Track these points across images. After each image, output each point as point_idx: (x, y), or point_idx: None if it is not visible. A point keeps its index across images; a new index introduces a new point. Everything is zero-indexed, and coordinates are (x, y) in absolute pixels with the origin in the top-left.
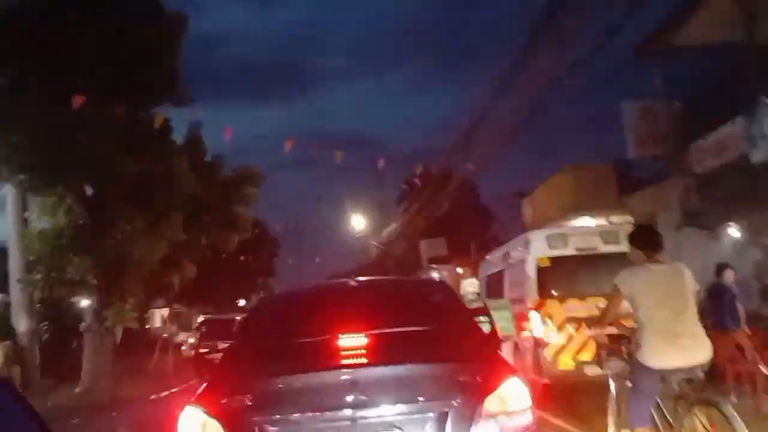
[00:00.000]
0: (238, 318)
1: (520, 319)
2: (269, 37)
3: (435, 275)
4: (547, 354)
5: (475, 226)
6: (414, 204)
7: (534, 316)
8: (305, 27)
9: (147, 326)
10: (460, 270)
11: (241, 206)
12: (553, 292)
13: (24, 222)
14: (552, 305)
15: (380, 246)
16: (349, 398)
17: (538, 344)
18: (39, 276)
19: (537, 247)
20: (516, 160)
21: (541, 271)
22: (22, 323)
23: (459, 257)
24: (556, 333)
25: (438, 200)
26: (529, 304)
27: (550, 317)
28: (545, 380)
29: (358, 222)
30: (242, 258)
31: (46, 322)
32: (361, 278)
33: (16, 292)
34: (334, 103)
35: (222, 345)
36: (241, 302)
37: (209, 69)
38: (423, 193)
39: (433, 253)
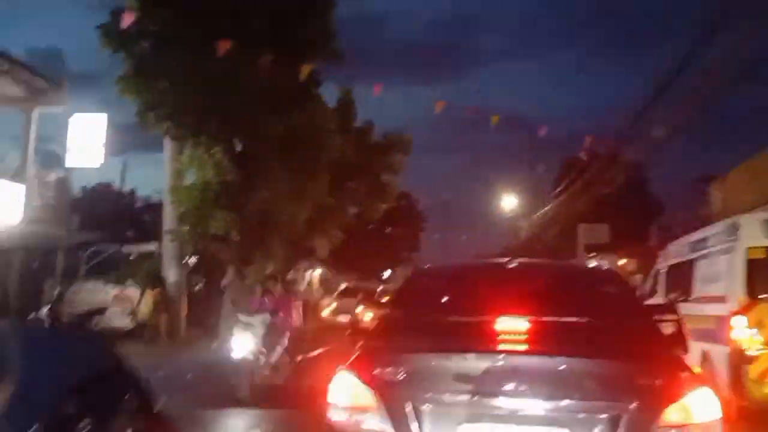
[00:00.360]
0: (380, 288)
1: (715, 323)
2: (430, 17)
3: (595, 261)
4: (752, 371)
5: (641, 215)
6: (573, 185)
7: (737, 321)
8: (467, 6)
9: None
10: (622, 261)
11: (389, 174)
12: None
13: (177, 175)
14: (764, 309)
15: (531, 228)
16: (509, 386)
17: (741, 358)
18: (186, 228)
19: (749, 234)
20: (689, 146)
21: (752, 264)
22: (171, 274)
23: (621, 247)
24: (765, 346)
25: (601, 183)
26: (731, 306)
27: (760, 324)
28: (745, 403)
29: (509, 202)
30: (388, 230)
31: (199, 277)
32: (523, 259)
33: (167, 244)
34: (494, 83)
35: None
36: (386, 274)
37: (369, 49)
38: (584, 174)
39: (593, 239)
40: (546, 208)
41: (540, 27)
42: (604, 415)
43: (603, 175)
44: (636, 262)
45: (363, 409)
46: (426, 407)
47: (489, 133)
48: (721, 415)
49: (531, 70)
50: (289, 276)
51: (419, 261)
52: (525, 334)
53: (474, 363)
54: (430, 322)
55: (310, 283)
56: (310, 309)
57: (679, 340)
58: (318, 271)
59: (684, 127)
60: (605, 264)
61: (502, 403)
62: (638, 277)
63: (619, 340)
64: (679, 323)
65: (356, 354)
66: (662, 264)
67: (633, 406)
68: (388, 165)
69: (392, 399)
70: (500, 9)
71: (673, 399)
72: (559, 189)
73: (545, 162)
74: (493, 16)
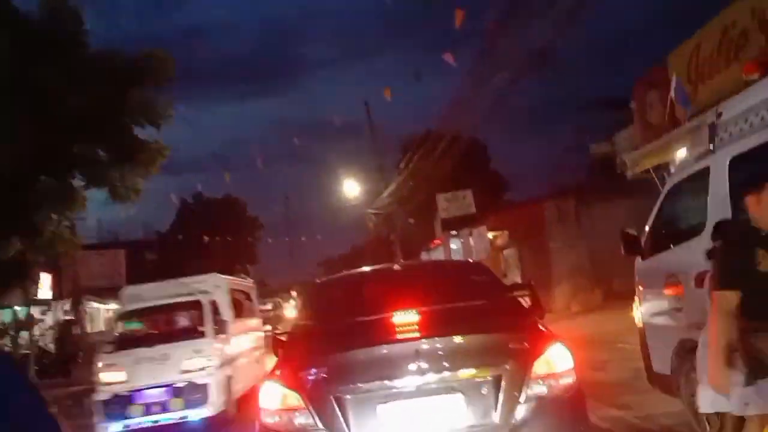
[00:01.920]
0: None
1: None
2: (251, 29)
3: (455, 245)
4: None
5: (485, 192)
6: (418, 163)
7: None
8: (286, 17)
9: None
10: (492, 234)
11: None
12: None
13: None
14: None
15: (378, 212)
16: (413, 367)
17: None
18: None
19: None
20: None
21: None
22: None
23: (486, 218)
24: None
25: (444, 161)
26: None
27: None
28: None
29: (350, 188)
30: (209, 239)
31: None
32: (404, 262)
33: None
34: (323, 91)
35: None
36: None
37: (195, 64)
38: (427, 156)
39: (456, 210)
40: (391, 188)
41: (363, 33)
42: (488, 378)
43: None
44: (507, 235)
45: (292, 409)
46: (346, 397)
47: (326, 140)
48: (572, 365)
49: (358, 74)
50: None
51: (258, 272)
52: (419, 323)
53: (380, 353)
54: (335, 326)
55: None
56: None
57: (536, 309)
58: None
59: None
60: (473, 242)
61: (408, 382)
62: (511, 252)
63: (492, 316)
64: (534, 295)
65: (277, 363)
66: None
67: (509, 366)
68: (140, 106)
69: (316, 396)
70: (322, 18)
71: (537, 356)
72: (402, 171)
73: (385, 157)
74: (315, 25)
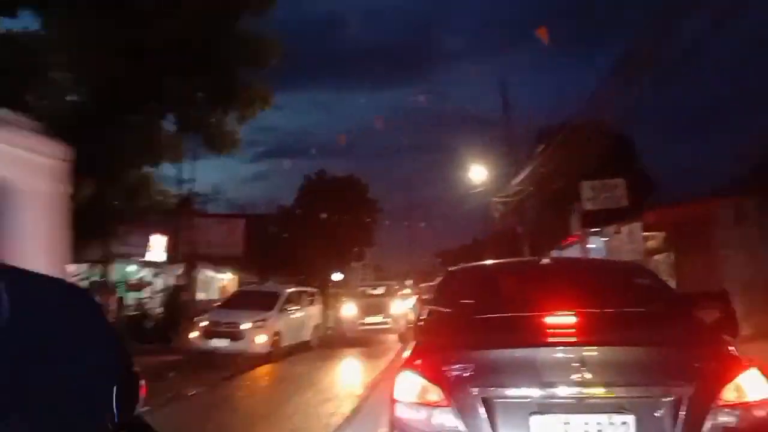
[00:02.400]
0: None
1: None
2: (386, 18)
3: (596, 244)
4: None
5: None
6: (554, 150)
7: None
8: (423, 8)
9: None
10: (643, 234)
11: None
12: None
13: None
14: None
15: (505, 200)
16: (576, 376)
17: None
18: None
19: None
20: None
21: None
22: None
23: (642, 213)
24: None
25: (585, 150)
26: None
27: None
28: None
29: (477, 173)
30: (328, 216)
31: None
32: (555, 257)
33: None
34: (456, 82)
35: None
36: (337, 276)
37: (329, 51)
38: (565, 145)
39: (601, 203)
40: (523, 174)
41: (499, 25)
42: (666, 399)
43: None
44: (663, 237)
45: (432, 405)
46: (496, 400)
47: (457, 131)
48: None
49: (493, 67)
50: None
51: (374, 256)
52: (581, 327)
53: (538, 356)
54: (481, 319)
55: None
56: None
57: (727, 324)
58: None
59: None
60: (620, 242)
61: (569, 392)
62: (663, 258)
63: (666, 327)
64: (728, 308)
65: (414, 353)
66: None
67: (693, 387)
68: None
69: (460, 394)
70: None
71: (727, 379)
72: (537, 151)
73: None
74: (449, 16)
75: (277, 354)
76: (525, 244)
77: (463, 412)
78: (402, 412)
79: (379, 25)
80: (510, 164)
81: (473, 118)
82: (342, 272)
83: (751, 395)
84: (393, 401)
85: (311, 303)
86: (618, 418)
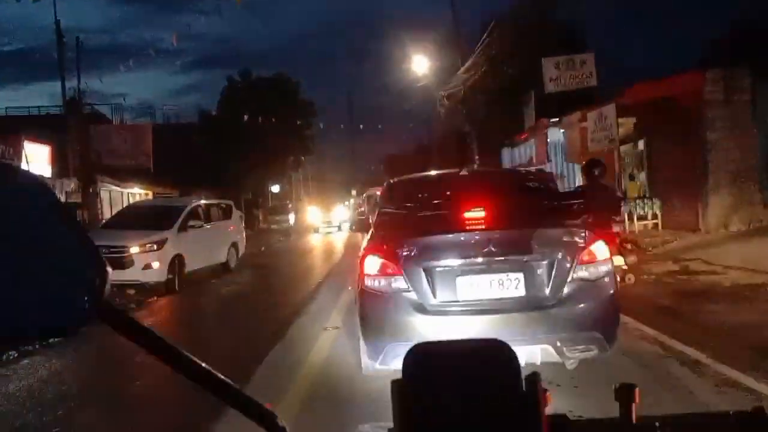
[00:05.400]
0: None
1: None
2: None
3: (556, 136)
4: None
5: None
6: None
7: None
8: None
9: None
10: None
11: None
12: None
13: None
14: None
15: (451, 90)
16: (485, 250)
17: None
18: None
19: None
20: None
21: None
22: None
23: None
24: None
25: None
26: None
27: None
28: None
29: (420, 64)
30: (256, 121)
31: None
32: (475, 168)
33: None
34: None
35: None
36: (275, 188)
37: None
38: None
39: (572, 82)
40: (469, 62)
41: None
42: (543, 261)
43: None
44: (632, 123)
45: (389, 275)
46: (434, 269)
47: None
48: (608, 255)
49: None
50: None
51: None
52: (486, 218)
53: (460, 238)
54: (418, 216)
55: None
56: None
57: (585, 212)
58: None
59: None
60: (592, 125)
61: (480, 261)
62: (631, 148)
63: (547, 215)
64: (588, 202)
65: (373, 241)
66: None
67: (560, 254)
68: None
69: (408, 266)
70: None
71: (583, 249)
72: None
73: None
74: None
75: (180, 282)
76: (473, 144)
77: (411, 278)
78: (369, 282)
79: None
80: (455, 54)
81: (415, 22)
82: (279, 184)
83: (598, 257)
84: (362, 275)
85: (226, 217)
86: (513, 275)
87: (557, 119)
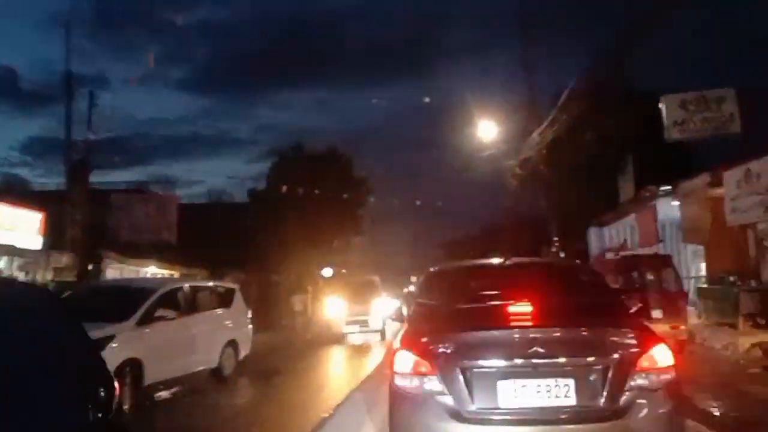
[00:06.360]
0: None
1: None
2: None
3: (667, 210)
4: None
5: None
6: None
7: None
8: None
9: None
10: None
11: None
12: None
13: None
14: None
15: (527, 167)
16: (531, 351)
17: None
18: None
19: None
20: None
21: None
22: None
23: None
24: None
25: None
26: None
27: None
28: None
29: (486, 130)
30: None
31: None
32: (518, 258)
33: None
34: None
35: None
36: (327, 272)
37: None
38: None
39: (705, 127)
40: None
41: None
42: (597, 366)
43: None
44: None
45: (422, 374)
46: (472, 370)
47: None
48: (672, 362)
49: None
50: None
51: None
52: (532, 314)
53: (502, 336)
54: (457, 309)
55: None
56: None
57: (644, 310)
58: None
59: None
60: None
61: (525, 362)
62: None
63: (599, 313)
64: (644, 299)
65: (406, 336)
66: None
67: (617, 358)
68: None
69: (444, 366)
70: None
71: (643, 352)
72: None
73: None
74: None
75: (134, 400)
76: (551, 224)
77: (447, 379)
78: (400, 381)
79: (380, 21)
80: (530, 120)
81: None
82: (331, 267)
83: (660, 363)
84: (392, 373)
85: (223, 305)
86: (562, 381)
87: (668, 187)
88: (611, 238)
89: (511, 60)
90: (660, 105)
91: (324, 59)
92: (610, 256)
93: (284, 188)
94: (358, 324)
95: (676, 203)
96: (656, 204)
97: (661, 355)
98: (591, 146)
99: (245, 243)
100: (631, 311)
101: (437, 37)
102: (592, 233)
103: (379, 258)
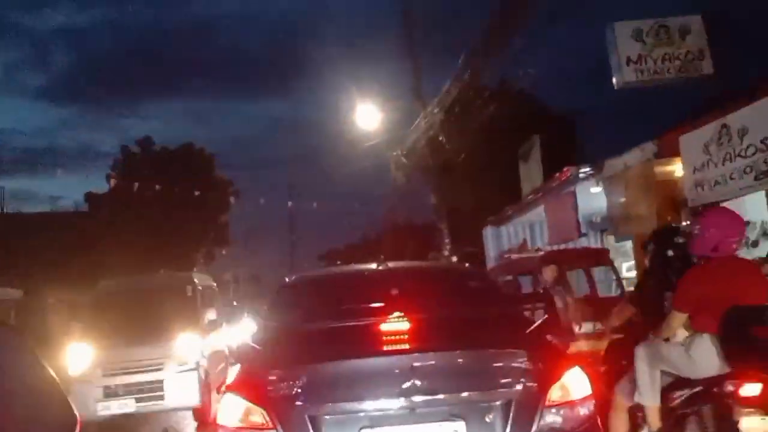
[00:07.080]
0: None
1: None
2: (261, 25)
3: (591, 196)
4: None
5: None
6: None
7: None
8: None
9: None
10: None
11: None
12: None
13: None
14: None
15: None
16: (406, 385)
17: None
18: None
19: None
20: None
21: None
22: None
23: None
24: None
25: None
26: None
27: None
28: None
29: (369, 117)
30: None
31: None
32: (392, 263)
33: None
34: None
35: None
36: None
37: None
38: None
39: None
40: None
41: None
42: (495, 403)
43: None
44: None
45: (256, 428)
46: (324, 417)
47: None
48: (590, 392)
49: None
50: None
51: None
52: (410, 333)
53: (367, 367)
54: (310, 331)
55: None
56: None
57: (552, 323)
58: None
59: None
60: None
61: (399, 403)
62: None
63: (497, 329)
64: (552, 308)
65: (238, 373)
66: None
67: (520, 390)
68: None
69: (286, 414)
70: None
71: (552, 381)
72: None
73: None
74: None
75: None
76: (442, 224)
77: None
78: None
79: (254, 30)
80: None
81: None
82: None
83: (574, 394)
84: (216, 427)
85: None
86: (449, 426)
87: (588, 169)
88: (510, 237)
89: (396, 50)
90: (608, 36)
91: (199, 68)
92: (516, 256)
93: (128, 188)
94: (130, 392)
95: (598, 189)
96: (575, 189)
97: (576, 383)
98: (484, 129)
99: (81, 255)
100: (534, 325)
101: (318, 36)
102: (489, 233)
103: (253, 272)
